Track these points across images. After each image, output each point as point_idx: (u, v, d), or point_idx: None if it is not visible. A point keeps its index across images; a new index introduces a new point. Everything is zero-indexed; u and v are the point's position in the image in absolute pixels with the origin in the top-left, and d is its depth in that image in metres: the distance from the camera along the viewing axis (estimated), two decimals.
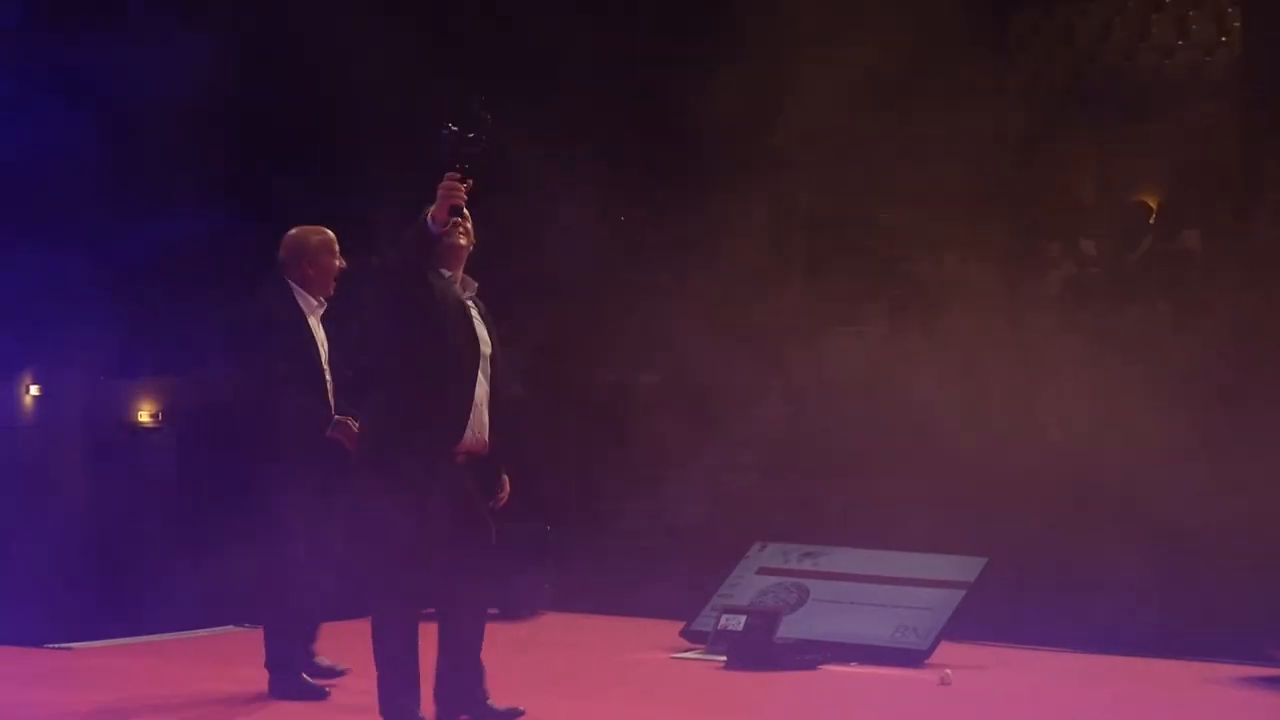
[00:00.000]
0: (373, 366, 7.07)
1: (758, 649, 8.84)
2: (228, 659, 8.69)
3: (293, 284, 7.58)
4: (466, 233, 6.83)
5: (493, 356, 6.85)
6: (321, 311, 7.63)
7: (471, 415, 6.70)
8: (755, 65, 14.96)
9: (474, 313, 6.83)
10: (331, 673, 7.87)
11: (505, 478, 7.00)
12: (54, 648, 9.25)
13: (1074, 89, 16.79)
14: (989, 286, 14.11)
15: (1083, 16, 17.67)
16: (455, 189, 6.42)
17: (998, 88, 16.85)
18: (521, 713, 6.96)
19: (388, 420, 6.65)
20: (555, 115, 14.69)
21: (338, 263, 7.66)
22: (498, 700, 6.97)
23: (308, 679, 7.64)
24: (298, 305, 7.55)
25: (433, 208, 6.42)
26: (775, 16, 14.60)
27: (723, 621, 9.15)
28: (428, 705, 6.79)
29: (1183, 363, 12.12)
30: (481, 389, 6.75)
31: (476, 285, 6.92)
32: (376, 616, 6.70)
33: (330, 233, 7.73)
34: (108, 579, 11.38)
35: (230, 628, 9.82)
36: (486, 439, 6.79)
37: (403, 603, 6.61)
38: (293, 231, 7.69)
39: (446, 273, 6.78)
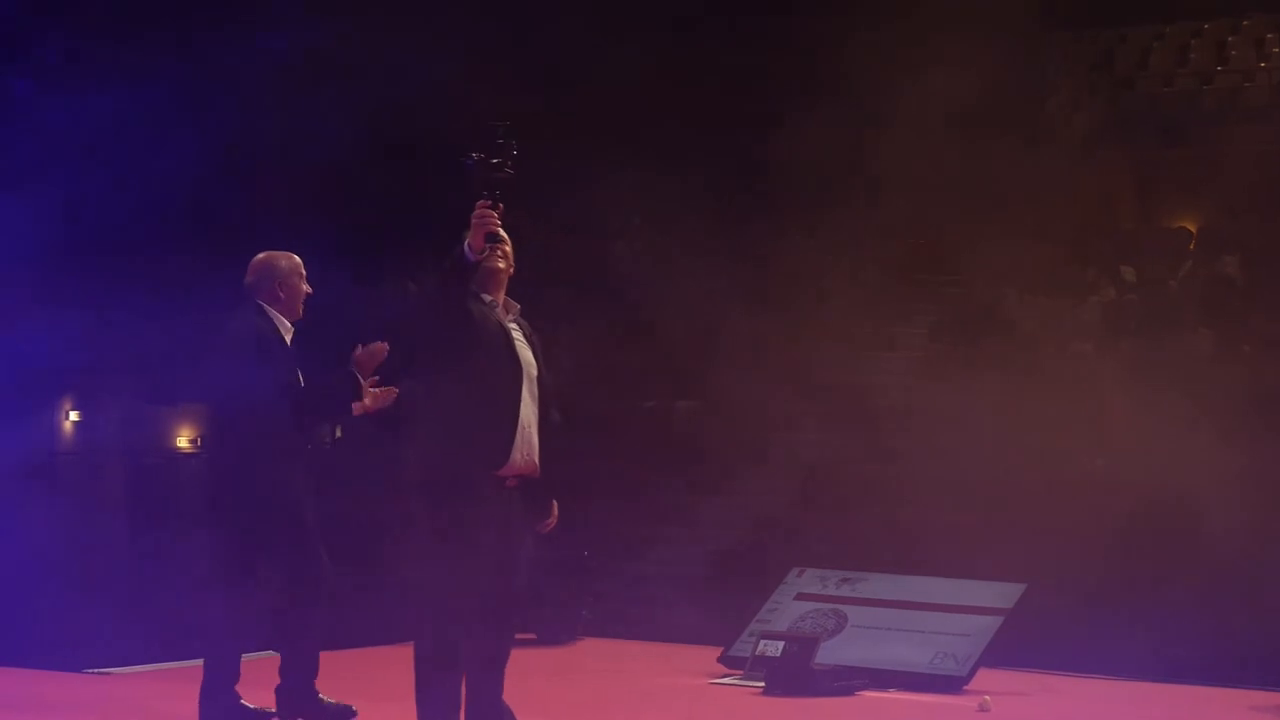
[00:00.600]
0: (416, 393, 7.02)
1: (796, 675, 8.81)
2: (267, 683, 8.65)
3: (265, 305, 7.56)
4: (505, 256, 6.85)
5: (540, 378, 6.85)
6: (290, 336, 7.64)
7: (518, 437, 6.70)
8: (803, 102, 15.04)
9: (517, 335, 6.84)
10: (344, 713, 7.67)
11: (554, 502, 6.98)
12: (93, 673, 9.26)
13: (1113, 116, 16.77)
14: (1029, 312, 14.09)
15: (1122, 43, 17.68)
16: (488, 216, 6.48)
17: (1037, 115, 16.86)
18: None
19: (434, 446, 6.63)
20: (603, 143, 14.80)
21: (305, 288, 7.64)
22: None
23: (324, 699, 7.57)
24: (276, 327, 7.56)
25: (467, 237, 6.48)
26: (838, 59, 14.70)
27: (760, 647, 9.12)
28: None
29: (1224, 387, 12.06)
30: (529, 410, 6.75)
31: (519, 307, 6.93)
32: (424, 640, 6.66)
33: (297, 258, 7.71)
34: (147, 604, 11.39)
35: (269, 653, 9.80)
36: (537, 461, 6.78)
37: (450, 628, 6.59)
38: (261, 256, 7.64)
39: (487, 298, 6.79)
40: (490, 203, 6.47)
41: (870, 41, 14.37)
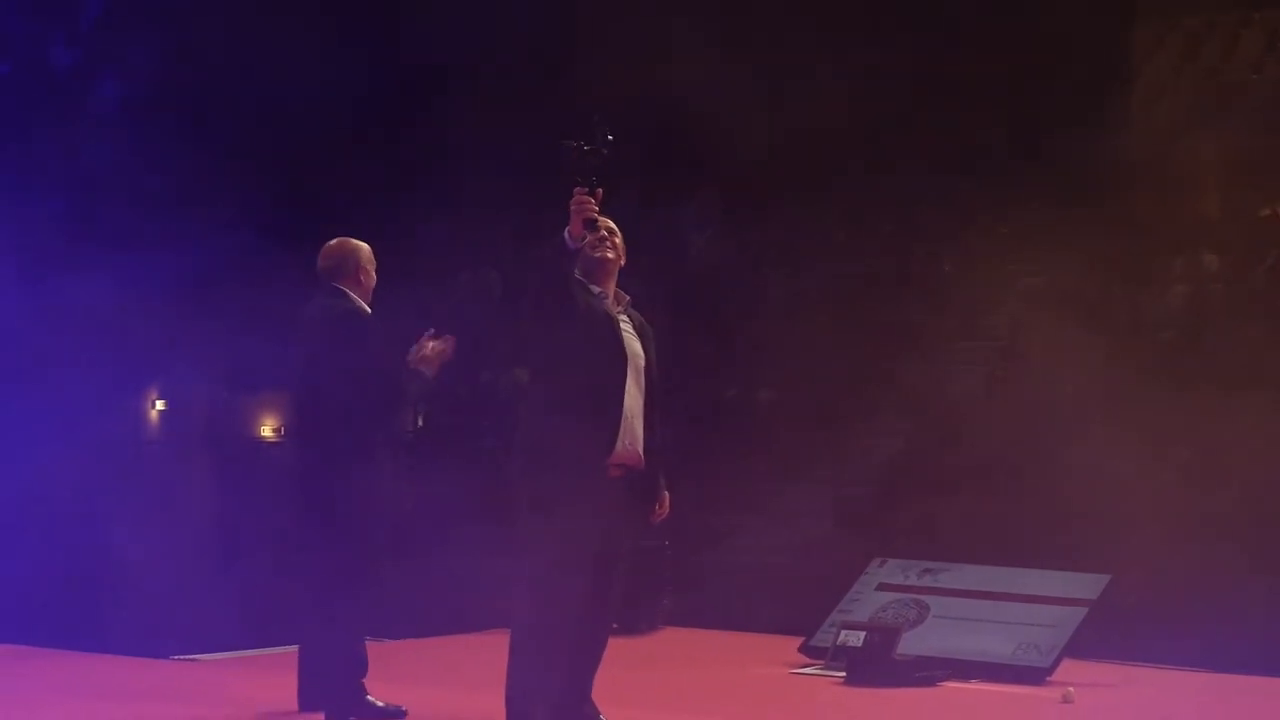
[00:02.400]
0: (527, 382, 7.00)
1: (877, 665, 8.79)
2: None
3: (347, 290, 7.46)
4: (615, 248, 6.87)
5: (648, 370, 6.87)
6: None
7: (623, 426, 6.71)
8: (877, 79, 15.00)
9: (626, 327, 6.85)
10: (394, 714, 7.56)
11: (665, 493, 7.00)
12: (180, 659, 9.36)
13: (1199, 102, 16.59)
14: (1110, 301, 13.98)
15: (1210, 29, 17.48)
16: (586, 203, 6.49)
17: (1120, 102, 16.72)
18: None
19: (539, 435, 6.65)
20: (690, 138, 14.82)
21: (374, 279, 7.60)
22: (615, 716, 6.96)
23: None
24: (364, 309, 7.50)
25: (569, 225, 6.52)
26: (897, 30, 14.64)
27: (842, 637, 9.11)
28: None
29: None
30: (634, 401, 6.76)
31: (629, 299, 6.95)
32: (520, 630, 6.69)
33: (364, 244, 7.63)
34: (233, 591, 11.50)
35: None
36: (640, 452, 6.80)
37: (548, 617, 6.62)
38: (335, 243, 7.56)
39: (596, 289, 6.81)
40: (587, 189, 6.50)
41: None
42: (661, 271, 15.50)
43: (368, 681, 7.47)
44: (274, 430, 16.02)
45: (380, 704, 7.44)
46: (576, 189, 6.50)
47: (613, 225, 6.85)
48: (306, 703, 7.48)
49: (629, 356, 6.79)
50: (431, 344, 7.38)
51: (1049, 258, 15.06)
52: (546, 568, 6.58)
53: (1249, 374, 12.23)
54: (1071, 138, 15.16)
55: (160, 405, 16.05)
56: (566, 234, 6.51)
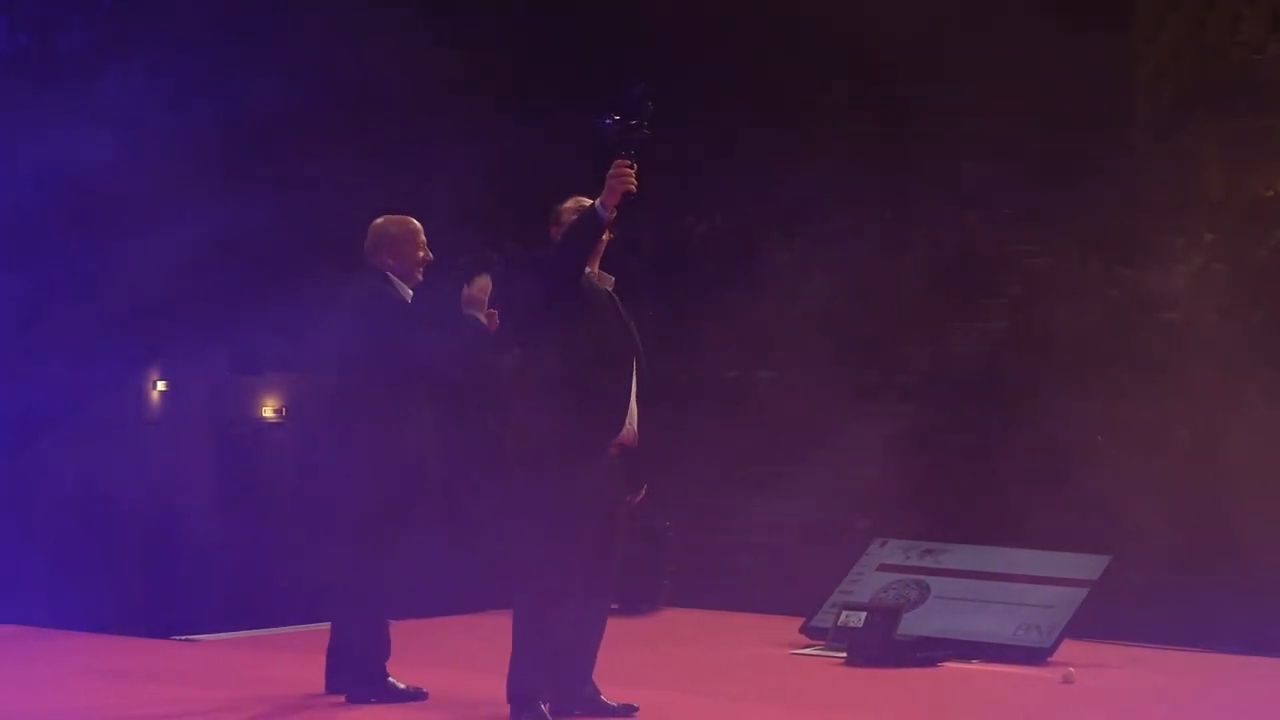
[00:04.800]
0: (524, 361, 6.93)
1: (878, 646, 8.78)
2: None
3: (386, 272, 7.37)
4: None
5: (637, 349, 6.87)
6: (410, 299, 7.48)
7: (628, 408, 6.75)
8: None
9: (620, 308, 6.86)
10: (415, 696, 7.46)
11: (645, 484, 6.99)
12: (181, 639, 9.35)
13: (1201, 82, 16.57)
14: (1112, 281, 13.97)
15: (1211, 9, 17.45)
16: (627, 175, 6.46)
17: (1124, 81, 16.70)
18: (636, 709, 6.94)
19: (548, 415, 6.62)
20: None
21: (422, 254, 7.49)
22: (615, 695, 6.97)
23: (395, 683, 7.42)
24: (398, 292, 7.43)
25: (602, 195, 6.48)
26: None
27: (843, 618, 9.10)
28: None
29: None
30: (632, 383, 6.78)
31: (613, 280, 6.93)
32: (527, 606, 6.70)
33: (415, 222, 7.49)
34: (234, 571, 11.50)
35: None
36: (636, 431, 6.81)
37: (556, 596, 6.63)
38: (378, 221, 7.48)
39: (587, 269, 6.80)
40: (629, 162, 6.47)
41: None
42: (658, 251, 15.52)
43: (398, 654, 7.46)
44: (275, 411, 16.01)
45: (402, 686, 7.40)
46: (617, 161, 6.47)
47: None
48: (334, 684, 7.46)
49: (634, 336, 6.80)
50: (473, 287, 7.31)
51: (1051, 237, 15.07)
52: (553, 546, 6.58)
53: (1252, 352, 12.23)
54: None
55: (161, 386, 16.05)
56: (599, 205, 6.48)
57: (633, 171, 6.45)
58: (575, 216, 6.68)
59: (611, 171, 6.46)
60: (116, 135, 13.40)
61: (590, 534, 6.65)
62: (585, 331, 6.62)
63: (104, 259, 13.70)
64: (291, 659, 8.30)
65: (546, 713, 6.63)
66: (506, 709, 6.71)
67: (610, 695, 6.99)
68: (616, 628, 7.14)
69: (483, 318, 7.28)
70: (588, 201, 6.71)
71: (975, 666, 8.82)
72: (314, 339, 7.57)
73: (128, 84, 13.94)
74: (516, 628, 6.70)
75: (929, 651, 8.86)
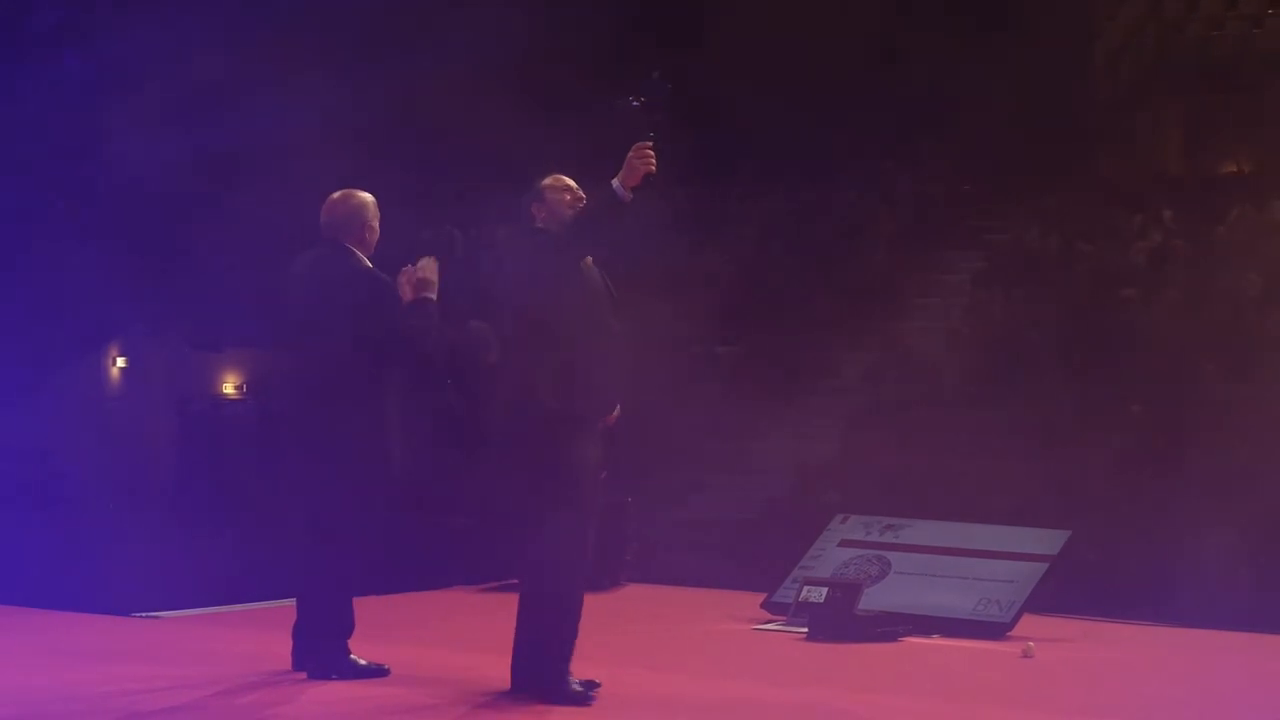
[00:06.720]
0: (519, 335, 6.88)
1: (839, 621, 8.82)
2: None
3: (350, 247, 7.27)
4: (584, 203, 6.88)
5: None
6: None
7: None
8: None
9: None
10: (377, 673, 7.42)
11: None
12: (142, 616, 9.32)
13: (1161, 60, 16.62)
14: (1072, 258, 14.02)
15: None
16: (649, 157, 6.49)
17: (1083, 58, 16.74)
18: (598, 685, 6.96)
19: (551, 389, 6.64)
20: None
21: (377, 232, 7.40)
22: (578, 672, 6.98)
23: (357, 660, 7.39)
24: (368, 265, 7.34)
25: (620, 175, 6.50)
26: None
27: (804, 593, 9.13)
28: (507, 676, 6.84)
29: (1272, 331, 12.01)
30: (621, 357, 6.88)
31: (590, 259, 6.94)
32: (554, 584, 6.72)
33: (373, 198, 7.37)
34: (195, 548, 11.47)
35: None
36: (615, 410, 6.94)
37: (581, 572, 6.74)
38: (340, 196, 7.35)
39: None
40: (649, 144, 6.49)
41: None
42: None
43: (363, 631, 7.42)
44: (235, 388, 15.96)
45: (364, 663, 7.38)
46: (638, 143, 6.50)
47: (572, 183, 6.85)
48: (299, 662, 7.43)
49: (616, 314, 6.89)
50: (414, 269, 7.25)
51: (1011, 214, 15.12)
52: (578, 522, 6.65)
53: (1210, 327, 12.30)
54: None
55: (121, 363, 15.97)
56: (617, 186, 6.50)
57: (653, 153, 6.48)
58: (571, 197, 6.71)
59: (633, 153, 6.50)
60: (81, 111, 13.35)
61: (597, 506, 6.79)
62: (587, 309, 6.68)
63: (63, 235, 13.62)
64: (255, 635, 8.28)
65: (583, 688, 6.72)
66: (466, 685, 6.70)
67: (573, 671, 7.00)
68: None
69: (431, 295, 7.23)
70: (567, 179, 6.74)
71: (935, 641, 8.87)
72: (280, 314, 7.42)
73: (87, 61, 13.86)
74: (547, 608, 6.73)
75: (889, 626, 8.90)
